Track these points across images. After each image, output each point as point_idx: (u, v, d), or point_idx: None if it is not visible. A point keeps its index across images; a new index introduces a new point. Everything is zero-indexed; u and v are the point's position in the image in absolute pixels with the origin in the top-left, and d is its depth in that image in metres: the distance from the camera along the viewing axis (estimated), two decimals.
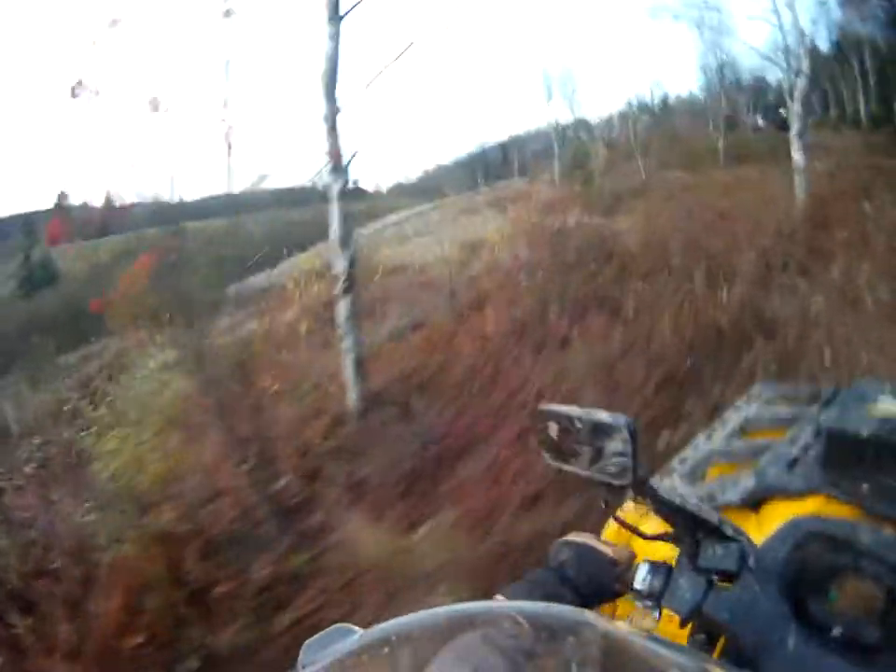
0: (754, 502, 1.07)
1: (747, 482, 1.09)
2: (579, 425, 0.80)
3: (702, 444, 1.34)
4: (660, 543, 0.88)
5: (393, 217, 12.78)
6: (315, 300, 7.88)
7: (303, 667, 0.58)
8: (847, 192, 10.02)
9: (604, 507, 0.90)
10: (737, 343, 5.24)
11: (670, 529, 0.85)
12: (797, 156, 9.53)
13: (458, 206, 13.42)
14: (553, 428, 0.83)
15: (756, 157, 12.12)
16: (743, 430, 1.34)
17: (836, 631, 0.75)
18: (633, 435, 0.76)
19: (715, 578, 0.78)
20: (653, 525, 0.90)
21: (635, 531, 0.91)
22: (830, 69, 26.42)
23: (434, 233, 10.74)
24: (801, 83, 9.86)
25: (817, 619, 0.77)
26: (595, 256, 7.45)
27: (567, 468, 0.84)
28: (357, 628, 0.61)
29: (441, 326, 6.62)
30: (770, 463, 1.12)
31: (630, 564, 0.88)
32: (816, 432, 1.11)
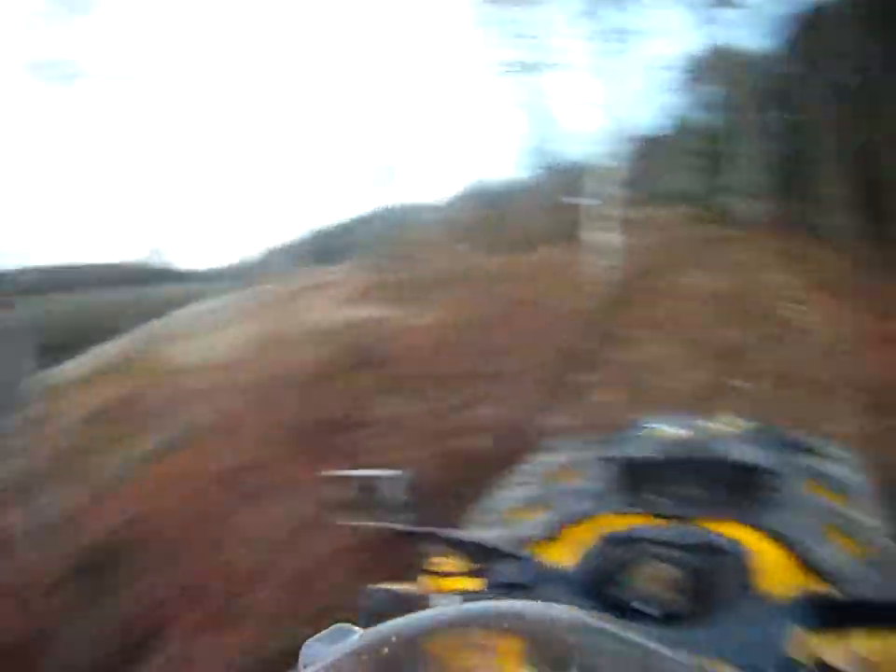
0: (559, 534, 1.11)
1: (547, 518, 1.16)
2: (368, 484, 0.92)
3: (501, 494, 1.42)
4: (462, 578, 0.96)
5: (203, 306, 12.28)
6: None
7: (303, 667, 0.59)
8: (663, 268, 9.88)
9: (418, 560, 0.98)
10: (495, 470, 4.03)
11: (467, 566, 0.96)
12: (603, 237, 9.08)
13: (269, 295, 13.04)
14: (345, 490, 0.94)
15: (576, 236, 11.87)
16: (540, 477, 1.46)
17: (648, 610, 0.86)
18: (413, 486, 0.91)
19: (516, 593, 0.86)
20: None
21: (435, 572, 0.98)
22: (661, 149, 28.70)
23: (232, 327, 10.07)
24: (615, 165, 9.68)
25: (629, 603, 0.88)
26: (365, 360, 6.51)
27: (361, 523, 0.96)
28: (356, 628, 0.62)
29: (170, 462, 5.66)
30: (567, 498, 1.23)
31: (429, 599, 0.94)
32: (605, 465, 1.24)
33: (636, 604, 0.86)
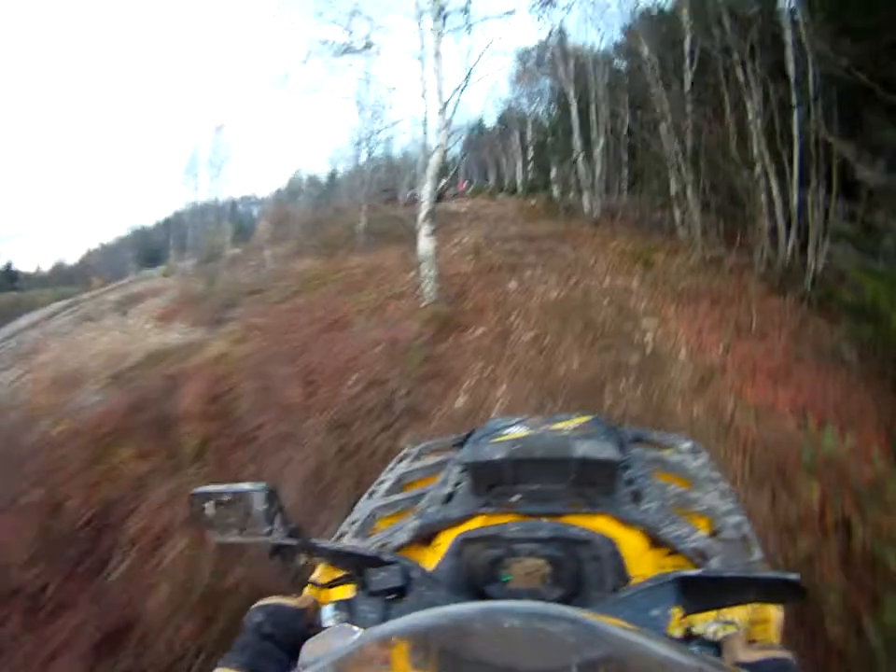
0: (425, 538, 1.15)
1: (413, 523, 1.18)
2: (228, 499, 0.86)
3: (365, 504, 1.41)
4: (338, 588, 0.96)
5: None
6: None
7: (303, 667, 0.62)
8: (490, 271, 9.60)
9: (282, 574, 0.96)
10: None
11: (338, 574, 0.95)
12: (424, 242, 8.05)
13: (88, 307, 12.81)
14: (209, 508, 0.87)
15: (400, 236, 11.41)
16: (400, 485, 1.47)
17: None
18: (275, 498, 0.85)
19: (390, 596, 0.86)
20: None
21: (312, 583, 1.01)
22: (493, 142, 28.98)
23: (34, 356, 9.53)
24: (434, 160, 8.54)
25: (503, 599, 0.90)
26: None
27: (231, 540, 0.89)
28: (356, 628, 0.69)
29: None
30: (430, 503, 1.24)
31: (315, 609, 0.94)
32: (461, 469, 1.29)
33: (509, 598, 0.89)
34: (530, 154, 24.77)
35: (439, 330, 6.76)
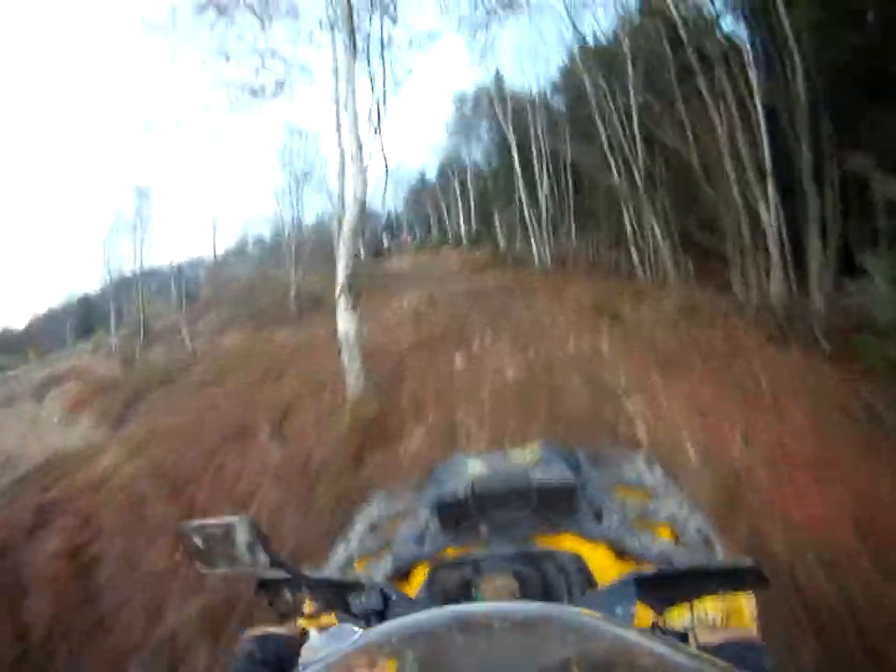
0: (401, 576, 1.20)
1: (387, 563, 1.24)
2: (215, 531, 0.88)
3: (342, 549, 1.45)
4: (323, 616, 0.97)
5: None
6: None
7: (303, 668, 0.62)
8: (432, 342, 8.19)
9: (270, 605, 0.96)
10: None
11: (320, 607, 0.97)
12: (343, 322, 6.43)
13: (9, 387, 12.51)
14: (198, 540, 0.89)
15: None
16: (373, 529, 1.51)
17: None
18: (257, 529, 0.86)
19: (373, 619, 0.88)
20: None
21: (299, 615, 1.02)
22: (434, 193, 28.17)
23: None
24: (350, 216, 6.97)
25: None
26: None
27: (218, 571, 0.91)
28: (356, 628, 0.69)
29: None
30: (402, 543, 1.29)
31: (303, 636, 0.94)
32: (428, 509, 1.31)
33: None
34: (473, 203, 23.92)
35: (363, 442, 5.09)
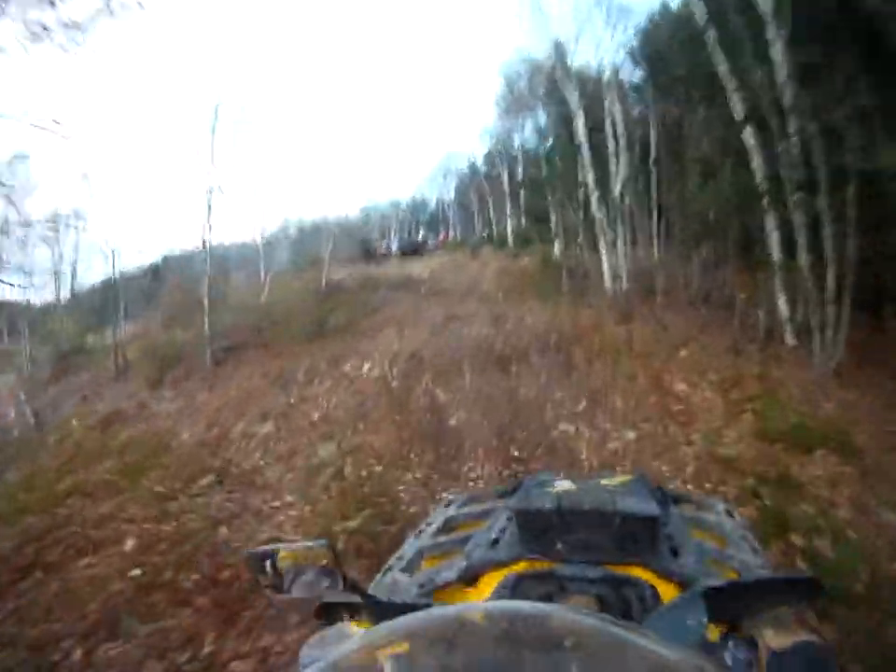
0: (469, 578, 1.17)
1: (459, 563, 1.20)
2: (288, 557, 0.86)
3: (413, 543, 1.45)
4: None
5: None
6: None
7: (303, 667, 0.61)
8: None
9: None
10: None
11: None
12: None
13: None
14: (268, 566, 0.87)
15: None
16: (447, 528, 1.50)
17: None
18: (335, 552, 0.86)
19: None
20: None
21: None
22: (479, 184, 23.35)
23: None
24: None
25: None
26: None
27: (293, 597, 0.88)
28: (356, 628, 0.71)
29: None
30: (476, 546, 1.26)
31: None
32: (508, 516, 1.32)
33: None
34: (523, 196, 19.07)
35: None
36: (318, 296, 11.20)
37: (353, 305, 10.09)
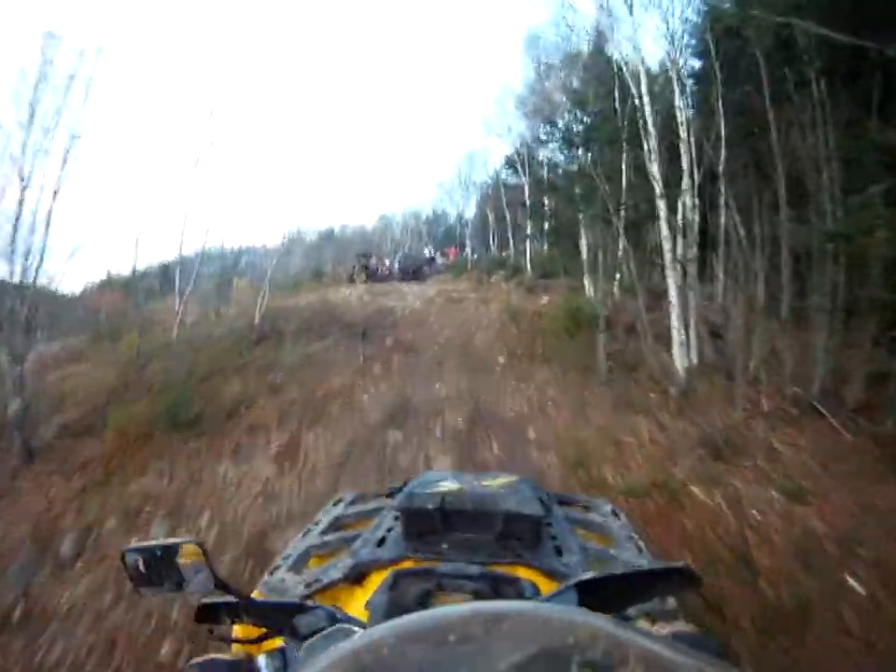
0: (356, 577, 1.18)
1: (346, 562, 1.22)
2: (159, 553, 0.85)
3: (300, 542, 1.45)
4: (267, 641, 0.95)
5: None
6: None
7: (303, 668, 0.59)
8: None
9: (210, 633, 0.93)
10: None
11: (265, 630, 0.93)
12: None
13: None
14: (140, 563, 0.87)
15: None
16: (335, 527, 1.52)
17: None
18: (203, 549, 0.84)
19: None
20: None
21: (240, 640, 0.98)
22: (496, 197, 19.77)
23: None
24: None
25: None
26: None
27: (162, 594, 0.88)
28: (356, 628, 0.69)
29: None
30: (363, 545, 1.27)
31: (249, 661, 0.96)
32: (394, 516, 1.34)
33: None
34: (550, 212, 15.35)
35: None
36: (238, 340, 7.70)
37: (266, 365, 6.55)
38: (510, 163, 19.92)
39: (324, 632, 0.74)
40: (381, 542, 1.26)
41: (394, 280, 17.56)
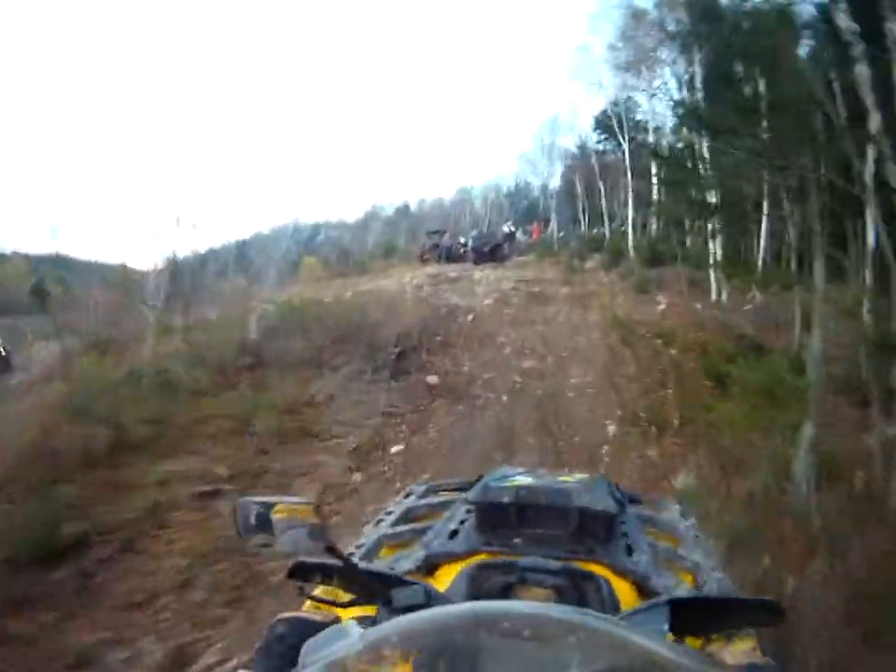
0: (427, 569, 1.16)
1: (418, 553, 1.20)
2: (272, 507, 0.84)
3: (371, 532, 1.42)
4: (355, 608, 0.95)
5: None
6: None
7: (303, 667, 0.60)
8: None
9: (299, 592, 0.93)
10: None
11: (356, 596, 0.93)
12: None
13: None
14: (252, 515, 0.85)
15: None
16: (406, 518, 1.47)
17: None
18: (320, 514, 0.84)
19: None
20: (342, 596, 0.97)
21: (332, 602, 0.98)
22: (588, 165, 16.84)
23: None
24: None
25: None
26: None
27: (273, 548, 0.86)
28: (356, 628, 0.64)
29: None
30: (434, 537, 1.26)
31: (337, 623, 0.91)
32: (467, 509, 1.31)
33: None
34: (658, 183, 12.27)
35: None
36: (215, 370, 5.48)
37: (223, 433, 4.26)
38: (602, 126, 16.77)
39: (324, 631, 0.68)
40: (453, 535, 1.24)
41: (468, 261, 15.17)
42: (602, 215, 17.01)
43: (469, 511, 1.30)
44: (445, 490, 1.66)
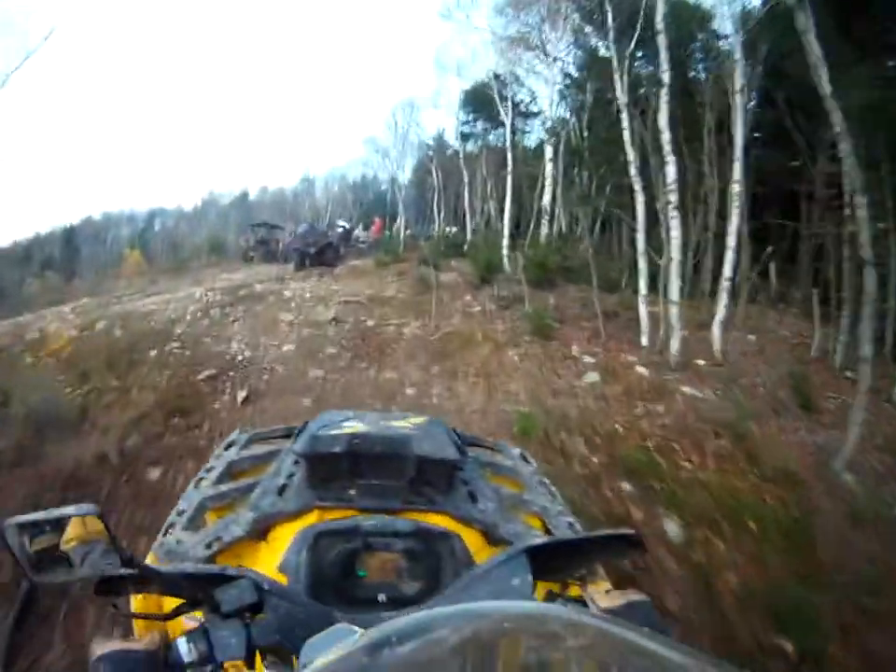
0: (259, 532, 1.08)
1: (246, 516, 1.09)
2: (48, 528, 0.71)
3: (193, 494, 1.27)
4: (183, 617, 0.83)
5: None
6: None
7: (303, 667, 0.58)
8: None
9: (114, 609, 0.84)
10: None
11: (180, 601, 0.80)
12: None
13: None
14: (26, 542, 0.70)
15: None
16: (229, 474, 1.35)
17: (381, 597, 0.91)
18: (104, 520, 0.69)
19: (247, 615, 0.76)
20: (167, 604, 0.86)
21: (154, 617, 0.85)
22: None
23: None
24: None
25: (360, 596, 0.92)
26: None
27: (59, 580, 0.72)
28: (356, 628, 0.62)
29: None
30: (262, 495, 1.14)
31: (165, 646, 0.79)
32: (294, 460, 1.21)
33: (381, 597, 0.89)
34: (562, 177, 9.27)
35: None
36: None
37: None
38: (474, 104, 13.64)
39: (324, 631, 0.63)
40: (282, 491, 1.13)
41: (291, 264, 11.35)
42: (463, 211, 13.89)
43: (296, 464, 1.18)
44: (268, 438, 1.52)
